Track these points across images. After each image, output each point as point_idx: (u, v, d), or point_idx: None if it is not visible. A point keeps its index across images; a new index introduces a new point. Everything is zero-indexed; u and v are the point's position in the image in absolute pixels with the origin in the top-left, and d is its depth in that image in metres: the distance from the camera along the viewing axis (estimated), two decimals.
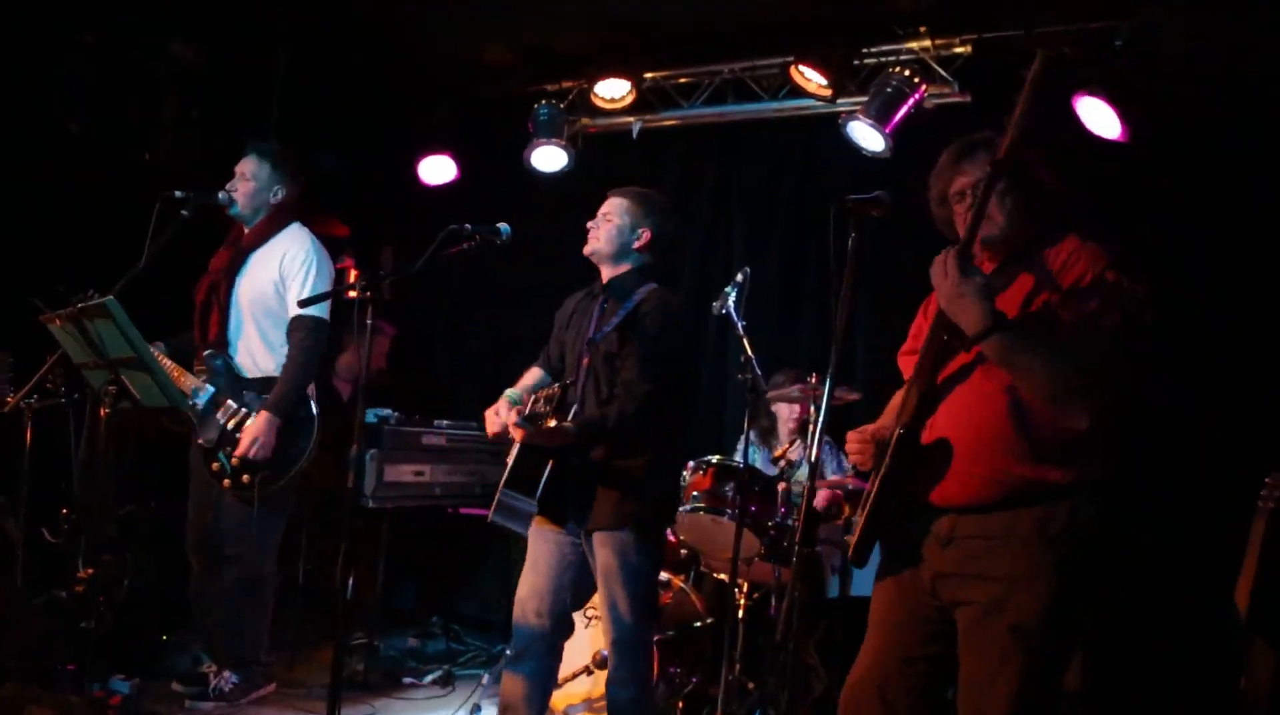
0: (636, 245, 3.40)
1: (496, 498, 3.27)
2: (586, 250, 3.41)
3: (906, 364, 2.72)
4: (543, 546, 3.32)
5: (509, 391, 3.43)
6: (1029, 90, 2.15)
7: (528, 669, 3.29)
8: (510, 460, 3.33)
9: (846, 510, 4.01)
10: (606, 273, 3.42)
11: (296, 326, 3.98)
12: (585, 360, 3.31)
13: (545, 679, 3.34)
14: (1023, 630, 2.21)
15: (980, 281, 2.23)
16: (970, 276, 2.22)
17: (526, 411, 3.24)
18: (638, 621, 3.23)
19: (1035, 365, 2.20)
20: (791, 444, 4.75)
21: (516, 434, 3.11)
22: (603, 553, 3.21)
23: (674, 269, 3.48)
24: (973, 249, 2.29)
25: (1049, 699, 2.26)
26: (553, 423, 3.08)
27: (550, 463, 3.16)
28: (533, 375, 3.56)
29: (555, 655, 3.38)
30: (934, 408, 2.35)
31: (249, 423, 3.89)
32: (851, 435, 2.52)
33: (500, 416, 3.30)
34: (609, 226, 3.38)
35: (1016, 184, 2.36)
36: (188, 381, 3.93)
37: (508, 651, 3.38)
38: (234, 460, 3.88)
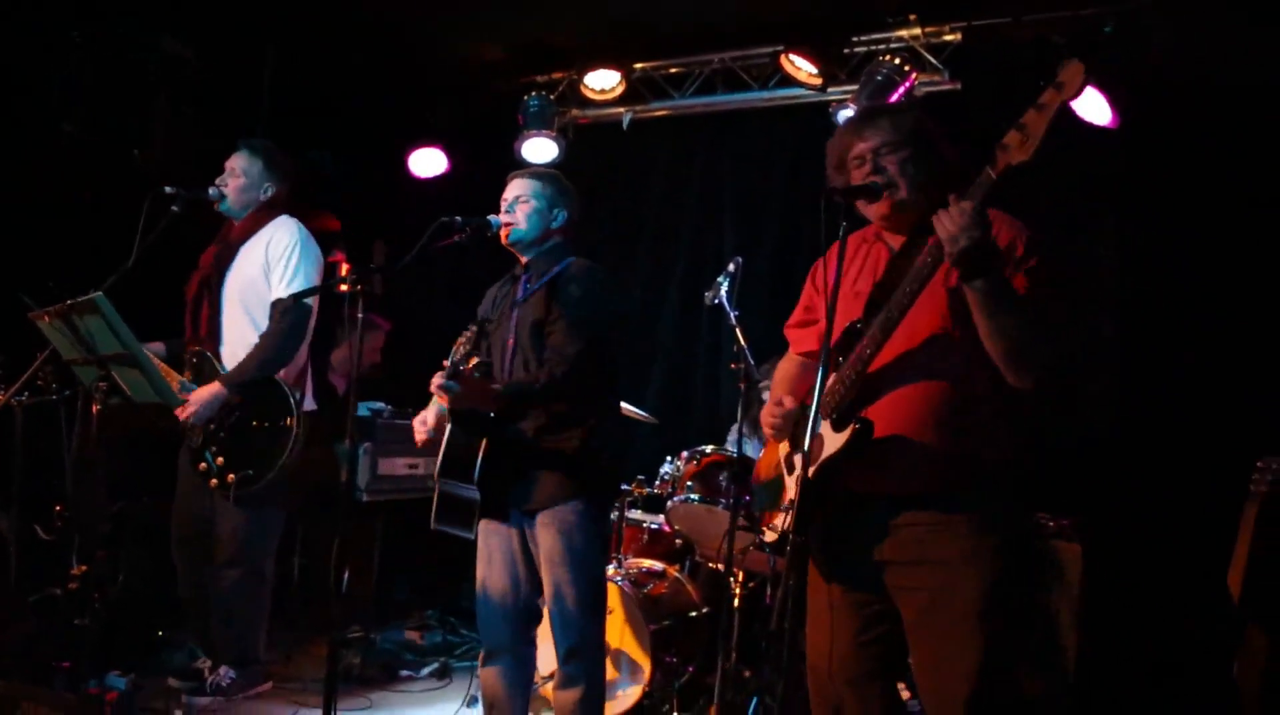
0: (556, 228, 3.33)
1: (435, 497, 3.19)
2: (508, 238, 3.27)
3: (798, 337, 2.73)
4: (494, 540, 3.26)
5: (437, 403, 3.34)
6: (1062, 101, 2.08)
7: (504, 663, 3.26)
8: (441, 450, 3.22)
9: None
10: (527, 256, 3.32)
11: (274, 310, 3.94)
12: (510, 340, 3.23)
13: (523, 669, 3.30)
14: (975, 611, 2.25)
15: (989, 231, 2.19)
16: (984, 225, 2.15)
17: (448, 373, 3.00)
18: (584, 610, 3.13)
19: (1017, 312, 2.20)
20: None
21: (441, 397, 2.97)
22: (545, 534, 3.12)
23: (588, 245, 3.42)
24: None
25: (1008, 675, 2.32)
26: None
27: (484, 442, 3.07)
28: None
29: (529, 643, 3.33)
30: (869, 392, 2.34)
31: (199, 390, 3.87)
32: (774, 407, 2.53)
33: (429, 422, 3.24)
34: (527, 208, 3.27)
35: (920, 156, 2.39)
36: (174, 381, 3.92)
37: (481, 652, 3.34)
38: (218, 460, 3.87)
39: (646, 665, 3.93)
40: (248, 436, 3.87)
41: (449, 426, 3.11)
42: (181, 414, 3.83)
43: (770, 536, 2.57)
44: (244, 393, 3.88)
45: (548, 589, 3.15)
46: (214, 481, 3.87)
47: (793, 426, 2.53)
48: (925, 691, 2.36)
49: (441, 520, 3.23)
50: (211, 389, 3.85)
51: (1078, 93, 2.07)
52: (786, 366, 2.77)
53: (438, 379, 2.93)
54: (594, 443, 3.17)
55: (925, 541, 2.31)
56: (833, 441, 2.33)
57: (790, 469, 2.55)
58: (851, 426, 2.29)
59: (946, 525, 2.30)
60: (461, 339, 2.89)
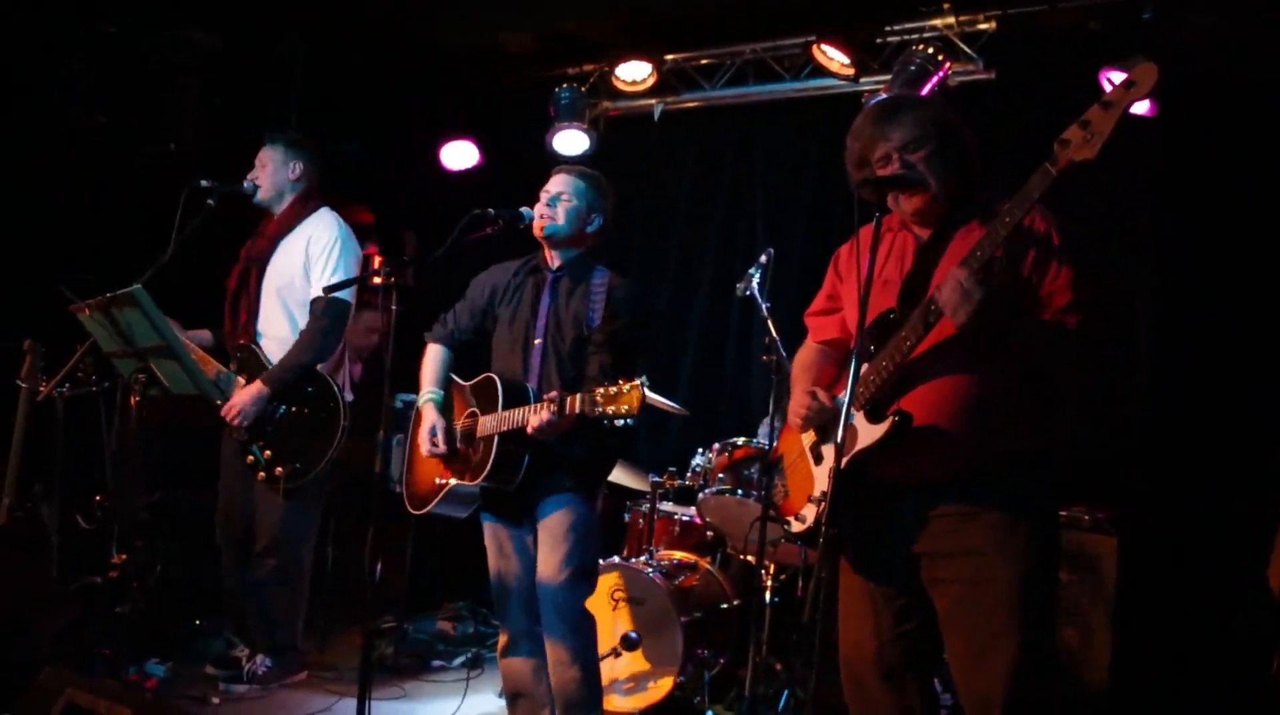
0: (590, 231, 3.34)
1: (444, 491, 3.24)
2: (543, 229, 3.26)
3: (819, 325, 2.71)
4: (502, 533, 3.33)
5: (431, 394, 3.34)
6: (1131, 100, 2.06)
7: (524, 651, 3.31)
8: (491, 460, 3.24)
9: None
10: (558, 254, 3.32)
11: (314, 307, 3.98)
12: (537, 340, 3.25)
13: (542, 651, 3.32)
14: (1009, 603, 2.24)
15: (991, 291, 2.17)
16: (985, 286, 2.15)
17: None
18: (577, 584, 3.20)
19: (1058, 344, 2.23)
20: None
21: (540, 435, 2.98)
22: (553, 514, 3.19)
23: (618, 238, 3.46)
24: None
25: (1046, 667, 2.29)
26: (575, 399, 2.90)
27: (528, 451, 3.13)
28: (435, 354, 3.45)
29: (540, 623, 3.37)
30: (902, 383, 2.33)
31: (242, 388, 3.90)
32: (806, 400, 2.49)
33: (440, 442, 3.24)
34: (567, 206, 3.28)
35: (945, 148, 2.36)
36: (211, 369, 3.95)
37: (499, 643, 3.39)
38: (265, 453, 3.91)
39: (678, 657, 3.94)
40: (296, 430, 3.91)
41: (498, 439, 3.12)
42: (227, 414, 3.86)
43: (797, 527, 2.55)
44: (291, 387, 3.91)
45: (548, 570, 3.19)
46: (261, 475, 3.92)
47: (823, 419, 2.51)
48: (961, 686, 2.34)
49: (444, 505, 3.29)
50: (254, 388, 3.88)
51: (1147, 95, 2.07)
52: (805, 355, 2.75)
53: (544, 420, 2.93)
54: (608, 443, 3.28)
55: (957, 532, 2.30)
56: (868, 433, 2.32)
57: (818, 459, 2.53)
58: (891, 419, 2.28)
59: (978, 516, 2.29)
60: (601, 390, 2.81)
